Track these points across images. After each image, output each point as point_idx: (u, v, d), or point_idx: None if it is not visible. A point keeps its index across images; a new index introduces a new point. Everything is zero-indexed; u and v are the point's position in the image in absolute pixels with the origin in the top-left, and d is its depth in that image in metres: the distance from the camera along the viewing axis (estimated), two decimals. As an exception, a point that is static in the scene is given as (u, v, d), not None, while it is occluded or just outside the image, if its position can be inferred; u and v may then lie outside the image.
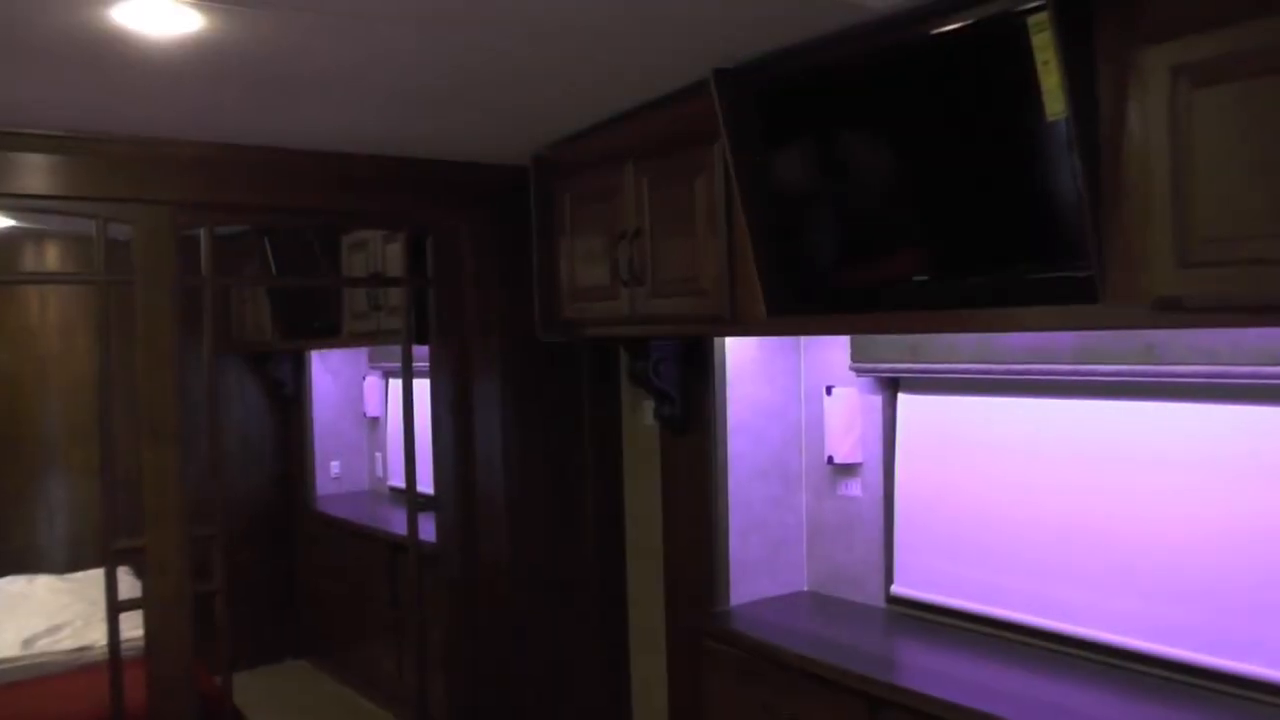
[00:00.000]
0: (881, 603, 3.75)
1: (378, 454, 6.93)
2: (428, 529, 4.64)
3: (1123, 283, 2.35)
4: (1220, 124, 2.15)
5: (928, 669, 3.27)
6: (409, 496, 4.64)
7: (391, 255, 5.16)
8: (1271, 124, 2.07)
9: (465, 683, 4.43)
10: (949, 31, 2.55)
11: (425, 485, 4.70)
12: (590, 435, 4.49)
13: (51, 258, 6.12)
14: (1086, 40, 2.36)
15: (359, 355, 6.95)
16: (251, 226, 5.86)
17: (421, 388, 4.58)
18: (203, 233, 3.94)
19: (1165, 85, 2.23)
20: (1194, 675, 2.90)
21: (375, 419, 6.93)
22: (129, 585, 4.18)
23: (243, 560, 5.78)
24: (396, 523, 5.51)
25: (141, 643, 3.77)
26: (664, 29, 2.73)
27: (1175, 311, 2.28)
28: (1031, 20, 2.37)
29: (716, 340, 3.83)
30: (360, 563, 6.03)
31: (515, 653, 4.39)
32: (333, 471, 6.91)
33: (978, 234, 2.68)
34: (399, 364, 4.67)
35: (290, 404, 6.95)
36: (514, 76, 3.07)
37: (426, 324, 4.57)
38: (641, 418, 4.33)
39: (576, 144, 3.86)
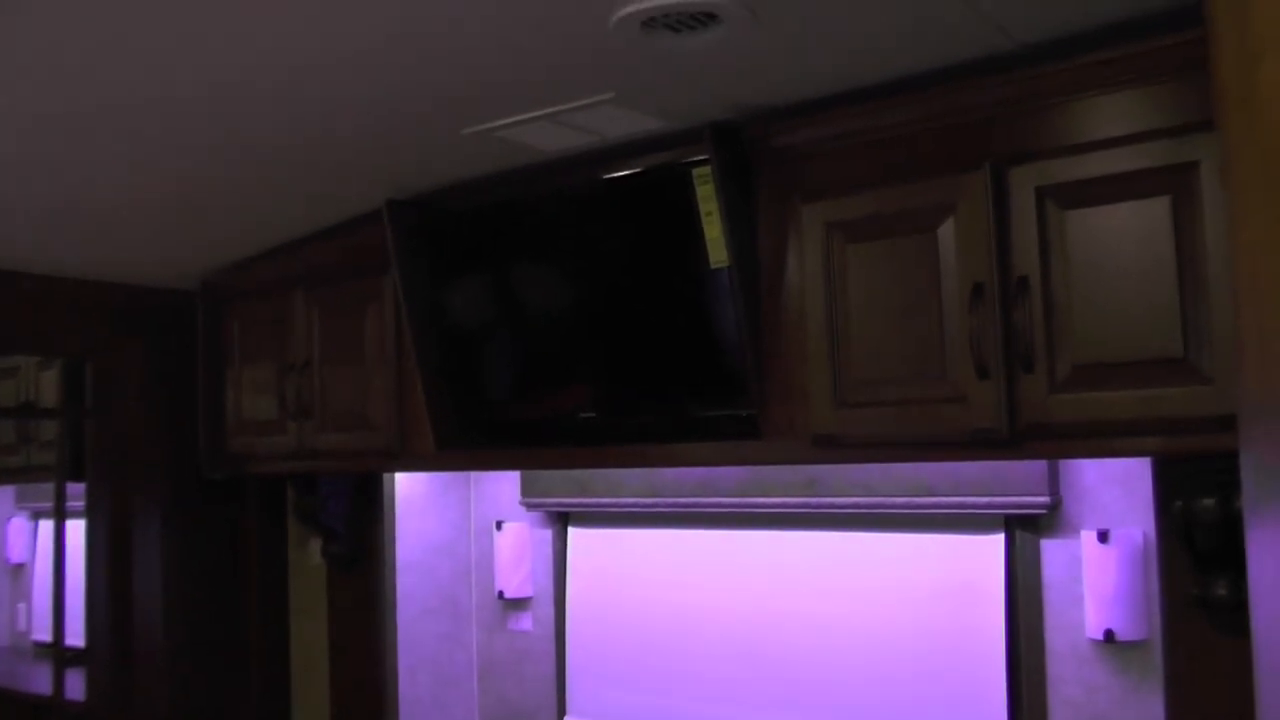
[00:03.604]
0: (553, 736, 3.61)
1: (20, 605, 6.20)
2: (77, 686, 4.12)
3: (783, 421, 2.41)
4: (868, 276, 2.27)
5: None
6: (55, 649, 4.12)
7: (46, 383, 4.66)
8: (909, 278, 2.20)
9: None
10: (620, 177, 2.56)
11: (76, 638, 4.19)
12: (257, 575, 4.14)
13: None
14: (748, 194, 2.44)
15: (3, 495, 6.25)
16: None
17: (75, 529, 4.11)
18: None
19: (820, 240, 2.33)
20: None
21: (20, 565, 6.21)
22: None
23: None
24: (40, 681, 4.87)
25: None
26: (335, 157, 2.62)
27: (832, 448, 2.35)
28: (696, 172, 2.41)
29: (386, 475, 3.64)
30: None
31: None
32: (-39, 628, 6.10)
33: (644, 373, 2.69)
34: (51, 503, 4.19)
35: (-85, 550, 6.13)
36: (179, 196, 2.84)
37: (84, 458, 4.12)
38: (309, 556, 4.05)
39: (247, 270, 3.62)
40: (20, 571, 6.13)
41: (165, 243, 3.33)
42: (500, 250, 2.87)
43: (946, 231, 2.13)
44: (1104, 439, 2.01)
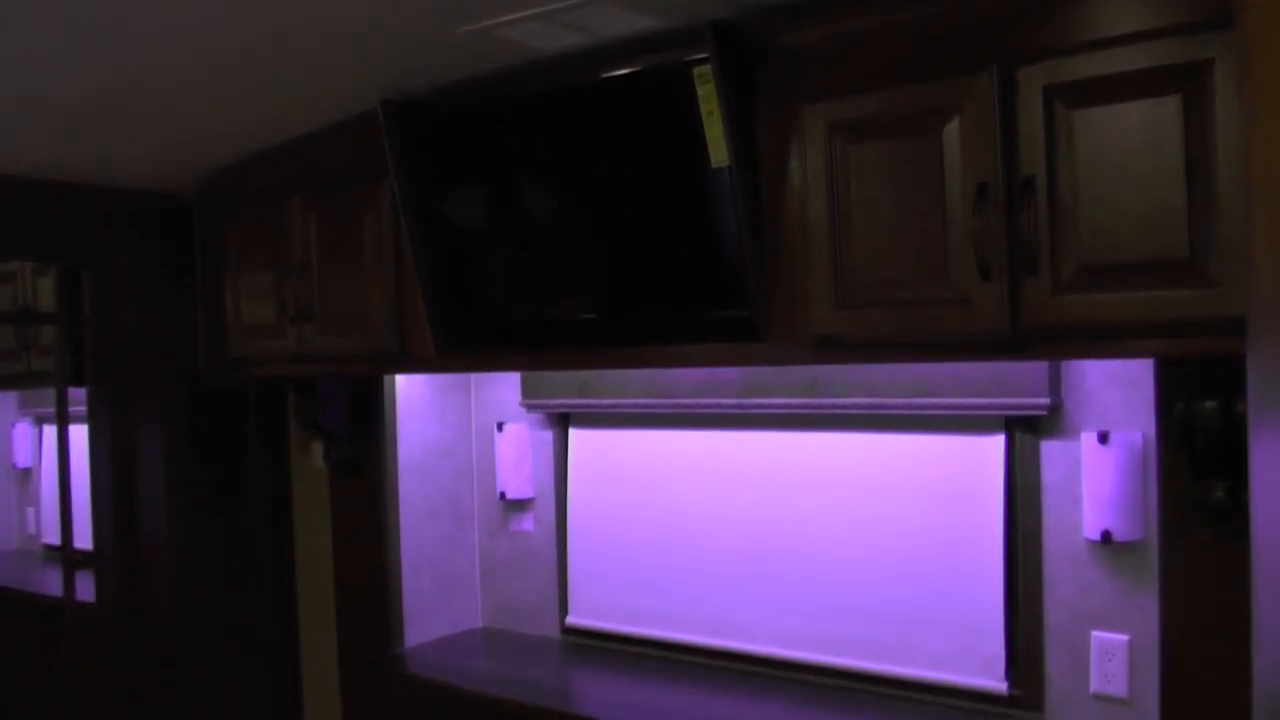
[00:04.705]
0: (557, 634, 3.65)
1: (29, 509, 6.22)
2: (87, 588, 4.14)
3: (785, 322, 2.40)
4: (871, 177, 2.23)
5: (604, 696, 3.20)
6: (64, 552, 4.15)
7: (44, 289, 4.62)
8: (912, 179, 2.17)
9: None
10: (619, 77, 2.52)
11: (85, 541, 4.22)
12: (259, 480, 4.16)
13: None
14: (749, 94, 2.39)
15: (6, 400, 6.25)
16: None
17: (79, 434, 4.12)
18: None
19: (822, 140, 2.29)
20: (857, 681, 2.97)
21: (26, 470, 6.23)
22: None
23: None
24: (52, 584, 4.90)
25: None
26: (327, 55, 2.56)
27: (835, 349, 2.34)
28: (697, 71, 2.37)
29: (387, 379, 3.63)
30: (10, 632, 5.34)
31: (184, 717, 3.99)
32: (-30, 532, 6.13)
33: (645, 274, 2.66)
34: (54, 408, 4.19)
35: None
36: (168, 95, 2.78)
37: (84, 364, 4.11)
38: (311, 460, 4.06)
39: (243, 173, 3.57)
40: (27, 476, 6.15)
41: (157, 142, 3.27)
42: (498, 152, 2.82)
43: (951, 132, 2.09)
44: (1107, 341, 1.99)
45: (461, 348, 3.02)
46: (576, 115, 2.65)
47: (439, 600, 3.74)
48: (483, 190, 2.90)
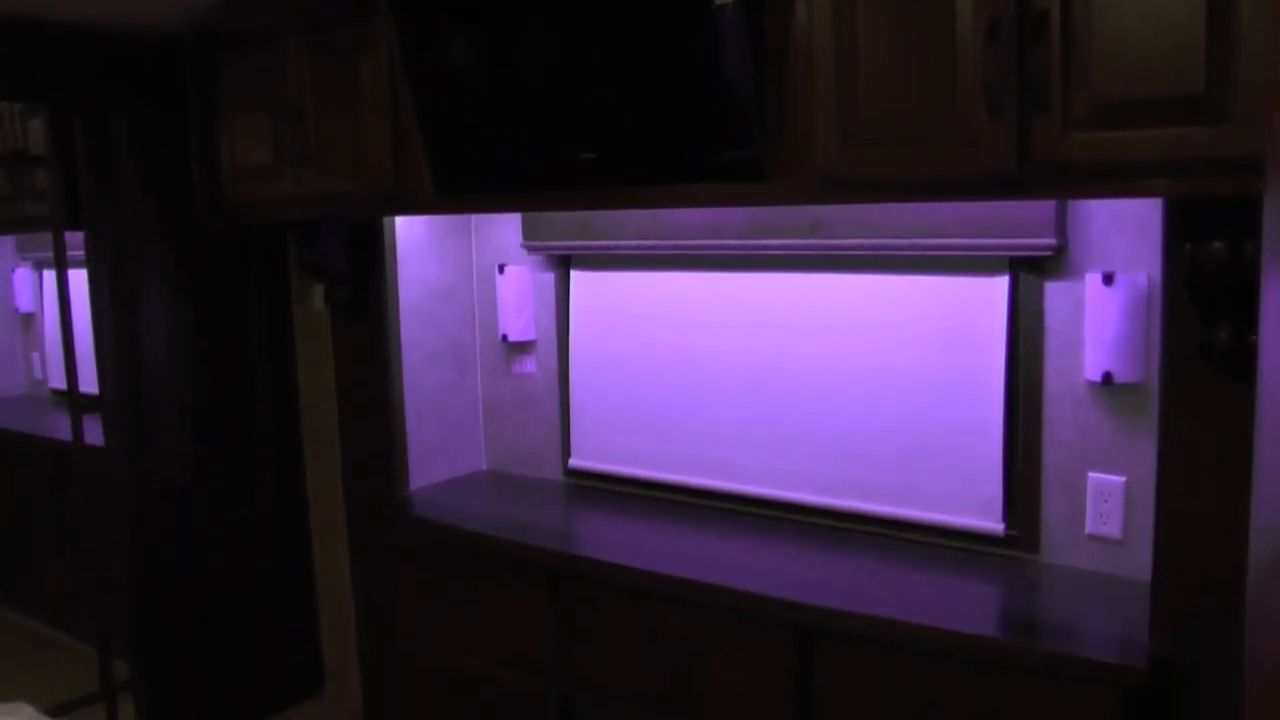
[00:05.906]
0: (560, 477, 3.69)
1: (35, 354, 6.24)
2: (96, 433, 4.16)
3: (789, 162, 2.36)
4: (880, 15, 2.17)
5: (605, 538, 3.24)
6: (70, 397, 4.17)
7: (34, 130, 4.53)
8: (923, 15, 2.10)
9: (142, 595, 4.03)
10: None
11: (91, 385, 4.23)
12: (261, 325, 4.15)
13: None
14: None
15: (4, 245, 6.20)
16: None
17: (79, 278, 4.08)
18: None
19: (829, -23, 2.22)
20: (855, 522, 3.01)
21: (29, 315, 6.23)
22: None
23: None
24: (61, 429, 4.93)
25: None
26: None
27: (840, 189, 2.30)
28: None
29: (387, 222, 3.59)
30: (20, 476, 5.40)
31: (193, 560, 4.05)
32: (-24, 376, 6.15)
33: (647, 113, 2.60)
34: (52, 253, 4.15)
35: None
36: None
37: (79, 208, 4.04)
38: (312, 304, 4.05)
39: (237, 11, 3.46)
40: (30, 321, 6.15)
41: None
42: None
43: (963, -36, 2.02)
44: (1117, 180, 1.95)
45: (460, 189, 2.97)
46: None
47: (442, 443, 3.77)
48: (480, 29, 2.82)
